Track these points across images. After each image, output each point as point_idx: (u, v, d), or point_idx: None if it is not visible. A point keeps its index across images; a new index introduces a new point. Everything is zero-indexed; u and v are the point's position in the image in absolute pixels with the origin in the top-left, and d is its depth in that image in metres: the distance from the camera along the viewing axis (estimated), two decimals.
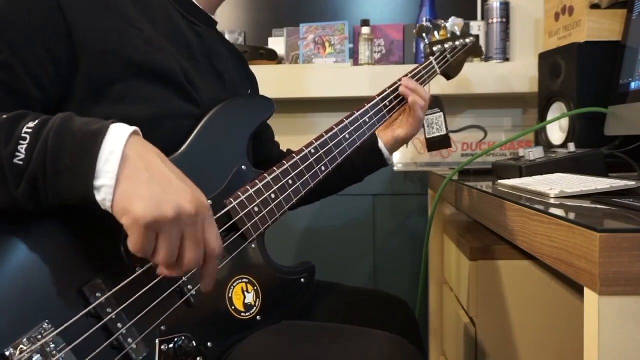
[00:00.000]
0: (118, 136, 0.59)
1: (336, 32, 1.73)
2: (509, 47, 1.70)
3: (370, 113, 1.02)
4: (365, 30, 1.70)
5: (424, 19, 1.71)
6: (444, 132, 1.22)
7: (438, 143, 1.23)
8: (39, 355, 0.57)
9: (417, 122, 1.10)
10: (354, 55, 1.76)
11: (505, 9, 1.68)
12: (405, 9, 1.86)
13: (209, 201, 0.74)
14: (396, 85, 1.09)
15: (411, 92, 1.08)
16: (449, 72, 1.24)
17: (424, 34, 1.30)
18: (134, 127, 0.61)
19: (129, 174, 0.58)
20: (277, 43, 1.80)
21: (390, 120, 1.11)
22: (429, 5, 1.72)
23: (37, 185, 0.57)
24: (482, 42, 1.70)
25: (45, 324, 0.58)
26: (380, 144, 1.11)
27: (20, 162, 0.57)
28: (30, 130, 0.58)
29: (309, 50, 1.74)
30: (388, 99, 1.07)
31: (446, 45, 1.23)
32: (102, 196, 0.57)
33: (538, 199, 0.75)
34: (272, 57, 1.74)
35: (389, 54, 1.77)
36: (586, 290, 0.52)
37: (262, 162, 0.90)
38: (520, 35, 1.74)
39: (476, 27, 1.72)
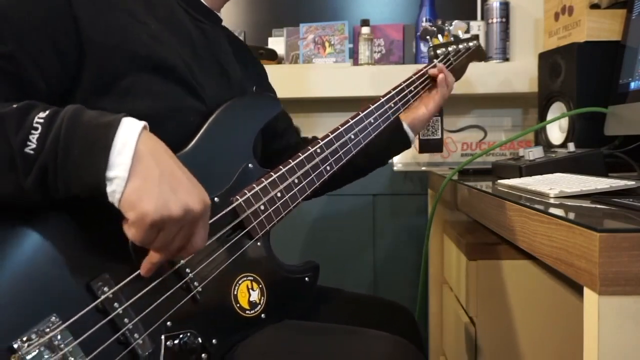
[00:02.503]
0: (131, 130, 0.59)
1: (336, 32, 1.73)
2: (509, 47, 1.70)
3: (376, 114, 1.02)
4: (365, 30, 1.70)
5: (424, 19, 1.71)
6: (438, 136, 1.24)
7: (431, 146, 1.25)
8: (46, 348, 0.57)
9: (442, 98, 1.16)
10: (354, 55, 1.76)
11: (505, 9, 1.68)
12: (405, 9, 1.86)
13: (215, 199, 0.75)
14: (410, 80, 1.12)
15: (440, 71, 1.16)
16: (453, 76, 1.24)
17: (428, 37, 1.30)
18: (144, 122, 0.62)
19: (141, 169, 0.58)
20: (277, 43, 1.80)
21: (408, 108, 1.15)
22: (429, 6, 1.72)
23: (48, 175, 0.57)
24: (482, 42, 1.70)
25: (54, 317, 0.58)
26: (405, 126, 1.14)
27: (32, 152, 0.57)
28: (42, 120, 0.58)
29: (309, 50, 1.74)
30: (393, 101, 1.07)
31: (450, 49, 1.23)
32: (113, 188, 0.57)
33: (538, 199, 0.75)
34: (272, 57, 1.74)
35: (389, 54, 1.77)
36: (586, 290, 0.52)
37: (282, 151, 0.91)
38: (520, 35, 1.74)
39: (476, 27, 1.72)
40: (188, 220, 0.61)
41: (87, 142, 0.58)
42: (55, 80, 0.67)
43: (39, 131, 0.57)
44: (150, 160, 0.59)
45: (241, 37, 1.83)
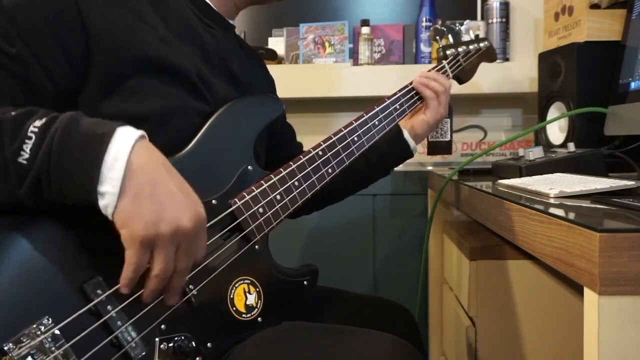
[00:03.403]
0: (123, 142, 0.59)
1: (336, 32, 1.73)
2: (509, 47, 1.70)
3: (381, 116, 1.01)
4: (365, 30, 1.70)
5: (424, 19, 1.71)
6: (447, 138, 1.23)
7: (440, 148, 1.24)
8: (37, 351, 0.57)
9: (435, 110, 1.11)
10: (354, 55, 1.76)
11: (505, 9, 1.68)
12: (405, 9, 1.86)
13: (213, 201, 0.75)
14: (409, 87, 1.10)
15: (424, 86, 1.10)
16: (462, 77, 1.22)
17: (437, 37, 1.30)
18: (140, 132, 0.61)
19: (132, 185, 0.58)
20: (277, 43, 1.80)
21: (412, 113, 1.13)
22: (429, 6, 1.72)
23: (41, 186, 0.58)
24: None
25: (46, 319, 0.58)
26: (405, 134, 1.11)
27: (25, 162, 0.57)
28: (36, 129, 0.58)
29: (309, 50, 1.74)
30: (399, 102, 1.06)
31: (460, 50, 1.22)
32: (106, 202, 0.58)
33: (538, 199, 0.75)
34: (272, 57, 1.74)
35: (389, 54, 1.77)
36: (586, 290, 0.52)
37: (282, 159, 0.90)
38: (520, 35, 1.74)
39: (476, 27, 1.72)
40: (181, 237, 0.61)
41: (79, 155, 0.58)
42: (63, 80, 0.67)
43: (32, 141, 0.57)
44: (142, 175, 0.59)
45: (241, 37, 1.84)
